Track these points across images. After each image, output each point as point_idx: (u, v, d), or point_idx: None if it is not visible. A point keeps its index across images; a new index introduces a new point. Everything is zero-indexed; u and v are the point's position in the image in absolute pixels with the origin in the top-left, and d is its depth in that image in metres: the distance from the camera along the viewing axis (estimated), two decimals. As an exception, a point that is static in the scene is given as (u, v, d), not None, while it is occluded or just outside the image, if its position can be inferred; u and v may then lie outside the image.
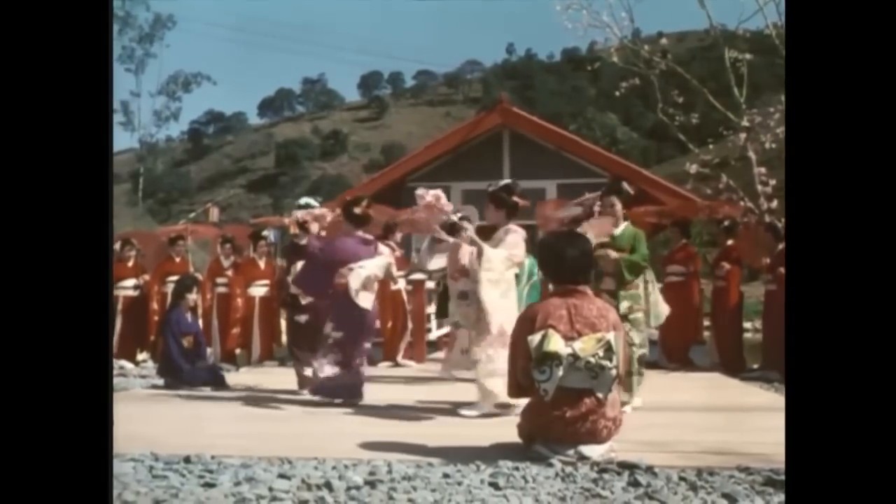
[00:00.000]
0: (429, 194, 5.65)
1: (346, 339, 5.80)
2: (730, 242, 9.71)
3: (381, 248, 6.10)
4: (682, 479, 3.34)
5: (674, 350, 9.41)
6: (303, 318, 6.43)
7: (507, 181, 5.73)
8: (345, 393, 5.85)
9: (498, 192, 5.59)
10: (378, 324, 9.54)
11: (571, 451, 3.68)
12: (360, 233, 6.06)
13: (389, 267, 5.91)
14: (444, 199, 5.62)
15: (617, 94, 15.17)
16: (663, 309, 6.46)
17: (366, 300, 5.81)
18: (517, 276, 5.43)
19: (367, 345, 6.02)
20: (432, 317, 11.09)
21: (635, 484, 3.26)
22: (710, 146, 13.52)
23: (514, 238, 5.47)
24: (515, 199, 5.53)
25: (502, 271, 5.28)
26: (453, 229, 6.54)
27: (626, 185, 5.87)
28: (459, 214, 6.75)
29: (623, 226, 5.77)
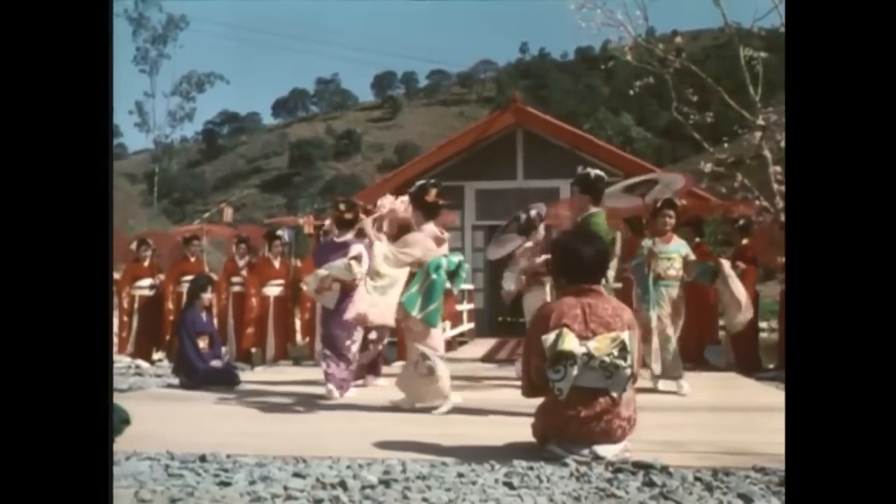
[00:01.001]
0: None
1: (325, 335, 6.31)
2: (745, 242, 9.67)
3: (353, 248, 6.26)
4: (697, 479, 3.33)
5: (689, 350, 9.35)
6: None
7: (422, 181, 5.79)
8: (347, 387, 6.27)
9: (413, 193, 5.73)
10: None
11: (586, 451, 3.68)
12: (346, 236, 6.51)
13: (350, 267, 6.04)
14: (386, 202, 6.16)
15: (631, 92, 15.09)
16: (733, 314, 6.65)
17: (326, 300, 6.30)
18: (414, 275, 5.52)
19: (348, 342, 6.19)
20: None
21: (650, 484, 3.25)
22: (725, 145, 13.44)
23: (413, 237, 5.56)
24: (429, 199, 5.61)
25: (380, 264, 5.40)
26: (529, 225, 7.08)
27: (593, 174, 5.74)
28: (534, 210, 7.07)
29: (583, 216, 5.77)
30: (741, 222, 9.85)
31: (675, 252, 6.85)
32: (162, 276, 10.79)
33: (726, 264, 6.83)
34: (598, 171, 5.77)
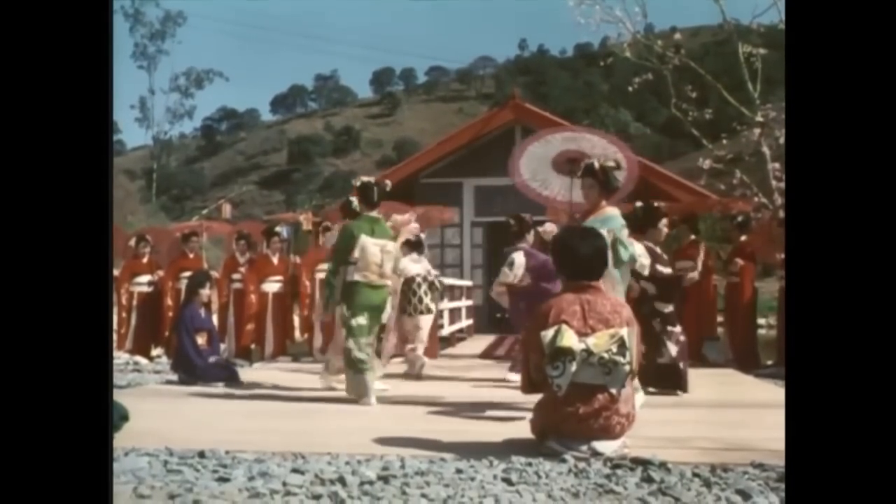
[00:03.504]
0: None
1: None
2: (743, 238, 9.67)
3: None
4: (695, 475, 3.34)
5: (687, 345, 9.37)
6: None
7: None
8: None
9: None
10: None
11: (584, 447, 3.68)
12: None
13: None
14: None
15: (630, 89, 15.10)
16: None
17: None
18: None
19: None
20: (444, 313, 11.10)
21: (649, 480, 3.25)
22: (724, 142, 13.44)
23: None
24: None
25: None
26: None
27: (363, 181, 6.13)
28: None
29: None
30: (739, 219, 9.85)
31: None
32: (161, 273, 10.78)
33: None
34: (366, 179, 6.19)
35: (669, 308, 6.40)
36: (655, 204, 7.19)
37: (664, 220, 6.87)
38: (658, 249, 6.66)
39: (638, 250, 5.50)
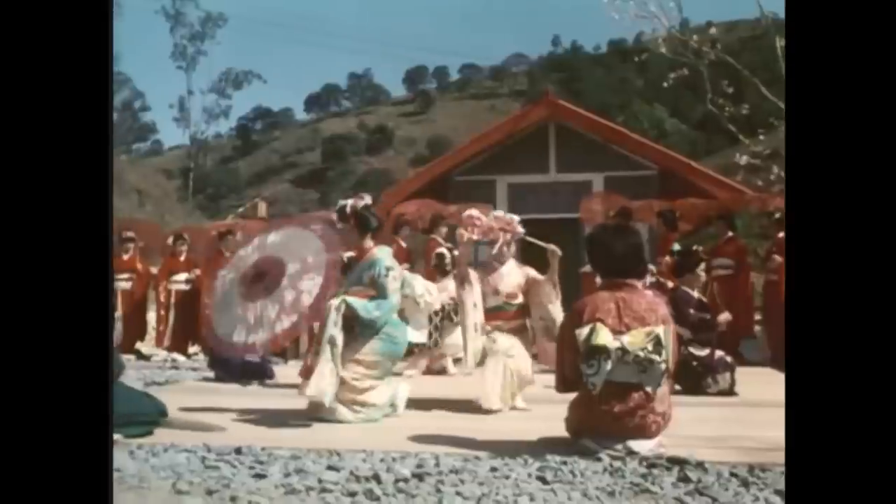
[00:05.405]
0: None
1: None
2: (781, 235, 9.52)
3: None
4: (733, 475, 3.31)
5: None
6: None
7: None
8: None
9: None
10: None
11: (620, 446, 3.66)
12: None
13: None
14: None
15: (665, 85, 14.93)
16: None
17: None
18: None
19: None
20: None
21: (685, 479, 3.22)
22: (761, 137, 13.24)
23: None
24: None
25: None
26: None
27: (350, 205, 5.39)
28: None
29: None
30: (777, 215, 9.70)
31: None
32: (198, 271, 10.90)
33: None
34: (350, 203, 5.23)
35: (705, 352, 6.38)
36: (694, 248, 7.19)
37: (702, 265, 6.94)
38: (695, 294, 6.75)
39: (419, 289, 5.63)
